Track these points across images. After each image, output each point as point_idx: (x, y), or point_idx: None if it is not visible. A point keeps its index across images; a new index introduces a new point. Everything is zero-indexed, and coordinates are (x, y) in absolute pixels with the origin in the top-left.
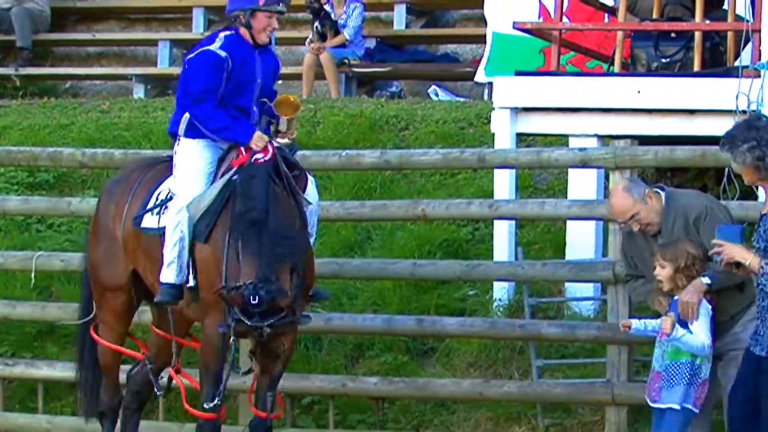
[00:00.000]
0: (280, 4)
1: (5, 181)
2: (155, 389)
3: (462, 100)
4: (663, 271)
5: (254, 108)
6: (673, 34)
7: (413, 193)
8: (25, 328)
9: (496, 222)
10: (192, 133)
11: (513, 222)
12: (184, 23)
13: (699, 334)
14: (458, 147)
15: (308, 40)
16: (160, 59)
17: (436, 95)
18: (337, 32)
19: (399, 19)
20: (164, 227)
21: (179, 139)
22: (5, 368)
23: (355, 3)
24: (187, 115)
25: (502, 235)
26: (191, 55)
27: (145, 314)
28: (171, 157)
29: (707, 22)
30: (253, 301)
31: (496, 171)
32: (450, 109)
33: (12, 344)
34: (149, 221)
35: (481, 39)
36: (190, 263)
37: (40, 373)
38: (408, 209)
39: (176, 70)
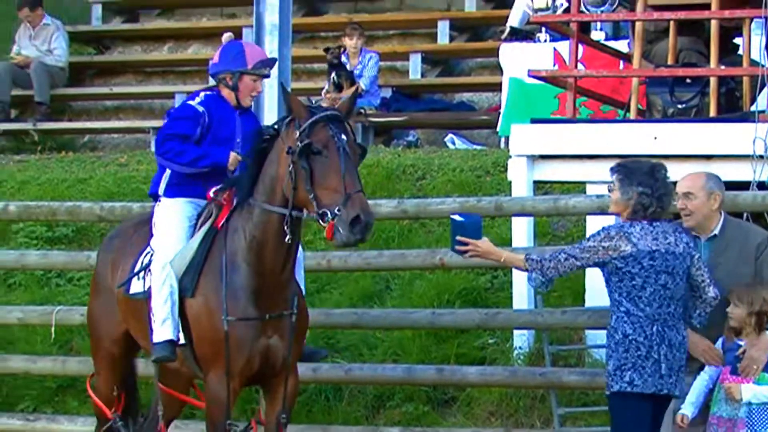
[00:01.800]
0: (267, 69)
1: (24, 235)
2: None
3: (479, 148)
4: (736, 311)
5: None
6: (688, 80)
7: (431, 242)
8: (45, 383)
9: (514, 270)
10: (172, 192)
11: None
12: (201, 75)
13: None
14: (475, 195)
15: (324, 90)
16: None
17: (453, 143)
18: (353, 82)
19: (414, 68)
20: (149, 288)
21: (159, 200)
22: (27, 423)
23: (370, 53)
24: (166, 174)
25: (521, 283)
26: (172, 110)
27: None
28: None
29: (722, 67)
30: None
31: (513, 219)
32: (467, 157)
33: (33, 399)
34: (136, 286)
35: (496, 87)
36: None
37: (62, 428)
38: (426, 258)
39: None
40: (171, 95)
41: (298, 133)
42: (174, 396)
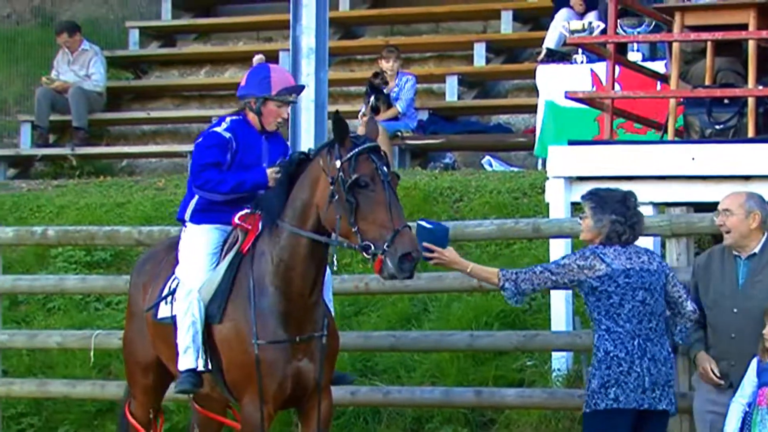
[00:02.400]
0: (292, 95)
1: (63, 260)
2: None
3: (516, 170)
4: None
5: (260, 192)
6: (726, 101)
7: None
8: (85, 407)
9: (552, 292)
10: (198, 218)
11: (570, 291)
12: (238, 100)
13: None
14: (513, 217)
15: (361, 113)
16: None
17: (490, 165)
18: (389, 105)
19: (451, 90)
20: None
21: (185, 225)
22: None
23: (407, 75)
24: (193, 201)
25: (559, 304)
26: (199, 140)
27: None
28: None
29: (760, 87)
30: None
31: (551, 241)
32: (504, 179)
33: (72, 423)
34: (164, 311)
35: (533, 108)
36: (207, 348)
37: None
38: (464, 281)
39: None
40: (208, 119)
41: (339, 163)
42: (211, 417)
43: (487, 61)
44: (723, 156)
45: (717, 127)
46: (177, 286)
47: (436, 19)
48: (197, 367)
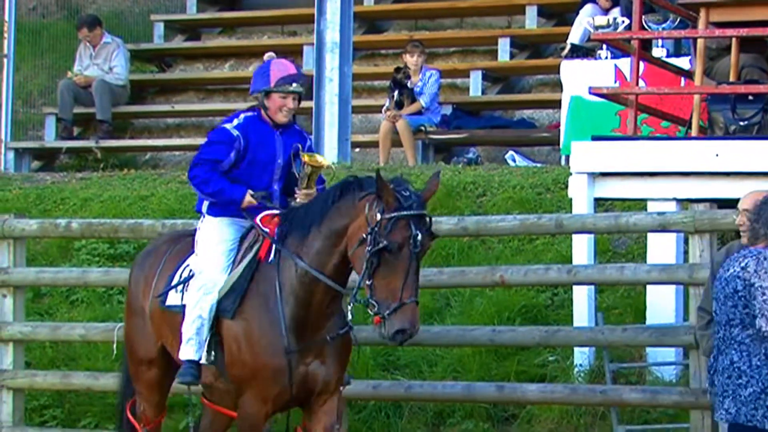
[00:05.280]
0: (293, 84)
1: (87, 253)
2: None
3: (539, 165)
4: None
5: (274, 187)
6: (750, 97)
7: (491, 260)
8: (107, 399)
9: (575, 287)
10: (216, 211)
11: (592, 287)
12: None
13: None
14: (536, 212)
15: (384, 108)
16: None
17: (513, 161)
18: (413, 100)
19: (475, 85)
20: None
21: (203, 217)
22: None
23: (431, 70)
24: None
25: (582, 300)
26: (210, 131)
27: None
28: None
29: None
30: (405, 193)
31: (574, 236)
32: (527, 174)
33: (95, 415)
34: (173, 299)
35: (557, 104)
36: (215, 340)
37: None
38: (486, 276)
39: None
40: (232, 113)
41: (380, 218)
42: (220, 412)
43: (512, 56)
44: (747, 152)
45: (741, 123)
46: (190, 275)
47: (461, 14)
48: (198, 359)
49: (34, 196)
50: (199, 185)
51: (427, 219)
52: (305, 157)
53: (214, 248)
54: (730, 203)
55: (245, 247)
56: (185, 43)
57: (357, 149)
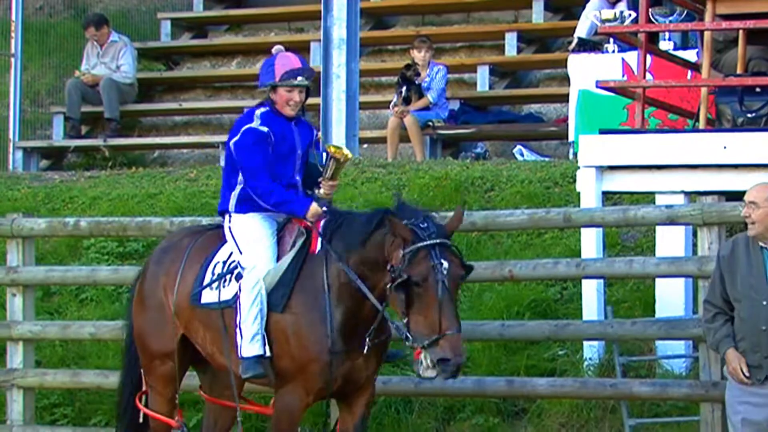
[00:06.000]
0: (298, 78)
1: (96, 251)
2: None
3: (547, 159)
4: None
5: (297, 178)
6: (758, 89)
7: (500, 254)
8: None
9: (584, 281)
10: (244, 207)
11: (601, 281)
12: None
13: None
14: (544, 207)
15: (392, 103)
16: None
17: (522, 155)
18: (421, 95)
19: (482, 80)
20: (227, 301)
21: (230, 216)
22: None
23: (438, 66)
24: (236, 191)
25: (591, 294)
26: (236, 138)
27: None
28: (217, 226)
29: None
30: (422, 226)
31: (582, 230)
32: (535, 168)
33: (105, 414)
34: (209, 296)
35: (564, 98)
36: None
37: None
38: (495, 270)
39: None
40: (240, 110)
41: (401, 254)
42: (224, 408)
43: (519, 50)
44: (755, 144)
45: (749, 115)
46: (224, 271)
47: (468, 9)
48: (264, 353)
49: (43, 195)
50: (261, 196)
51: (453, 248)
52: (331, 149)
53: (258, 244)
54: (739, 196)
55: (288, 242)
56: (192, 40)
57: (365, 145)
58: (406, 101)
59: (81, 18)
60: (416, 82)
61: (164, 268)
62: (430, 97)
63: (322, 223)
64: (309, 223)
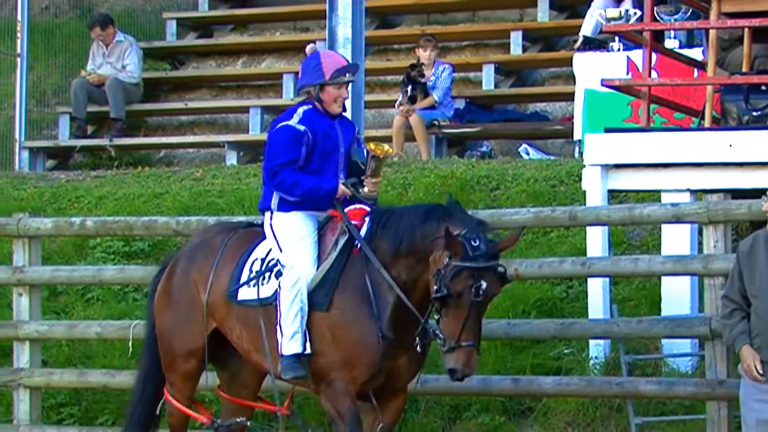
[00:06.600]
0: (347, 74)
1: (102, 251)
2: None
3: (553, 158)
4: None
5: (340, 176)
6: (763, 87)
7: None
8: (123, 397)
9: (590, 279)
10: (288, 207)
11: (607, 279)
12: (275, 90)
13: None
14: (550, 205)
15: (397, 102)
16: (251, 126)
17: (527, 154)
18: (426, 94)
19: (488, 79)
20: (266, 298)
21: (272, 214)
22: None
23: (443, 64)
24: None
25: (597, 292)
26: (273, 131)
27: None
28: (250, 224)
29: None
30: (474, 243)
31: (588, 228)
32: (541, 167)
33: (111, 413)
34: (247, 293)
35: (570, 97)
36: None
37: None
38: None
39: None
40: (245, 109)
41: (446, 262)
42: (238, 403)
43: (524, 49)
44: (760, 142)
45: (754, 113)
46: (262, 269)
47: (473, 8)
48: (304, 351)
49: (49, 195)
50: (288, 190)
51: (496, 269)
52: (371, 146)
53: (300, 243)
54: (744, 194)
55: (331, 240)
56: (198, 40)
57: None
58: (412, 100)
59: (87, 18)
60: (422, 81)
61: (196, 264)
62: (436, 96)
63: (365, 225)
64: (352, 224)
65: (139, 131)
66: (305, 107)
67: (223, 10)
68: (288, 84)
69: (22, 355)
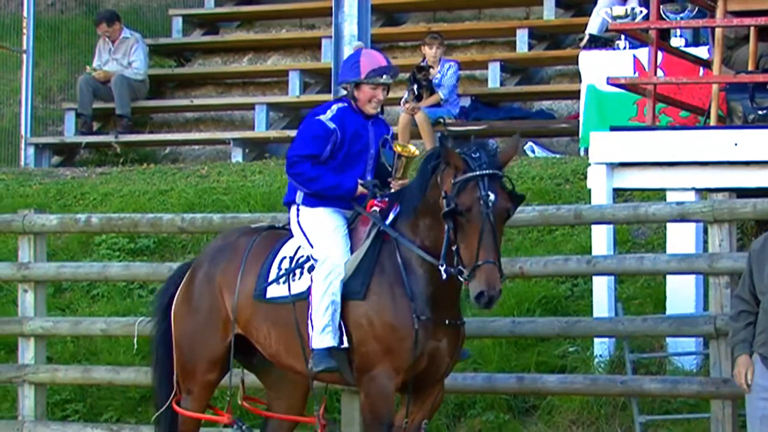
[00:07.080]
0: (383, 76)
1: (107, 247)
2: None
3: (558, 156)
4: None
5: (368, 177)
6: None
7: (511, 251)
8: (128, 394)
9: (594, 278)
10: (313, 202)
11: (612, 278)
12: (281, 87)
13: None
14: (555, 203)
15: (403, 100)
16: (257, 123)
17: (533, 152)
18: (432, 92)
19: (493, 77)
20: (300, 294)
21: (298, 209)
22: None
23: (449, 62)
24: None
25: (601, 290)
26: (305, 121)
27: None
28: (269, 227)
29: None
30: (474, 155)
31: (593, 227)
32: (546, 165)
33: (116, 410)
34: (276, 291)
35: (575, 95)
36: (341, 324)
37: None
38: (506, 267)
39: (273, 134)
40: (251, 106)
41: (452, 182)
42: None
43: (530, 47)
44: (766, 141)
45: (760, 112)
46: (291, 266)
47: (479, 6)
48: (336, 344)
49: (54, 192)
50: (304, 183)
51: (503, 179)
52: (398, 147)
53: (332, 234)
54: (749, 192)
55: (364, 231)
56: (204, 37)
57: None
58: (418, 98)
59: (93, 14)
60: (424, 81)
61: (220, 267)
62: (441, 93)
63: (392, 212)
64: (374, 209)
65: (144, 128)
66: (340, 104)
67: (229, 7)
68: (293, 81)
69: (27, 352)
